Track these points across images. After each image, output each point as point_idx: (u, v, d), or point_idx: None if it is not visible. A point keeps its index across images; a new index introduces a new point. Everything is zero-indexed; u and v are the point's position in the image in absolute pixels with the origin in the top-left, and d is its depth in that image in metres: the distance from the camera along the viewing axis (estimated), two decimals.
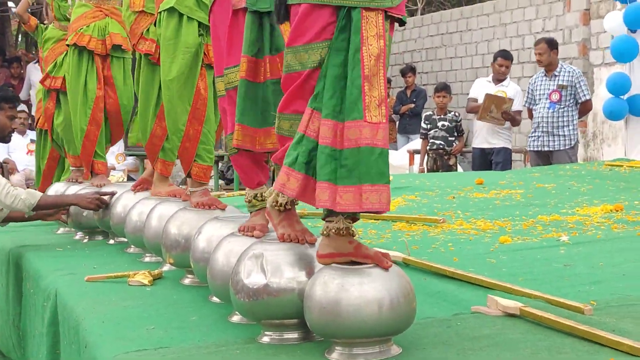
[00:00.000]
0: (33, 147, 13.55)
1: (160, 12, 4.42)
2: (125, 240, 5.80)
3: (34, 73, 14.50)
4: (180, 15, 4.39)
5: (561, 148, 10.89)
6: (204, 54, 4.62)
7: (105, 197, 6.16)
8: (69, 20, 6.30)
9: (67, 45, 5.76)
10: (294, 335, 3.57)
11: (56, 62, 6.40)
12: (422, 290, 3.73)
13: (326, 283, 3.28)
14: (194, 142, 4.71)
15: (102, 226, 6.25)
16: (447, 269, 4.58)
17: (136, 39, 4.67)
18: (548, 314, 3.68)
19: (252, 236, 3.89)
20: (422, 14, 21.45)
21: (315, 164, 3.24)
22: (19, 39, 20.13)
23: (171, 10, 4.37)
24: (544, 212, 6.52)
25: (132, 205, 5.56)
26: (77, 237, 6.58)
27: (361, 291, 3.22)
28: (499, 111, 11.22)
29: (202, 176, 4.82)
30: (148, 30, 4.61)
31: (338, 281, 3.26)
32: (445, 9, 22.18)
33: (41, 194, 6.40)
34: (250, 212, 4.12)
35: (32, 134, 13.72)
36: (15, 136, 13.48)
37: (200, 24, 4.55)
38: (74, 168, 6.80)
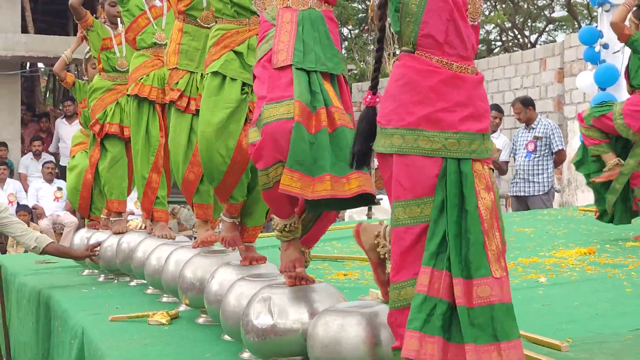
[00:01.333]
0: (60, 194, 13.61)
1: (204, 75, 4.33)
2: (145, 282, 5.76)
3: (61, 127, 14.46)
4: (224, 76, 4.27)
5: (536, 194, 10.88)
6: (250, 110, 4.40)
7: (96, 249, 6.34)
8: (116, 71, 6.29)
9: (128, 95, 5.54)
10: None
11: (106, 111, 6.18)
12: None
13: (327, 324, 3.29)
14: (230, 189, 4.52)
15: (124, 269, 6.20)
16: None
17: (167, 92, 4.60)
18: (529, 351, 3.61)
19: (295, 277, 3.72)
20: None
21: (450, 326, 2.94)
22: (47, 96, 20.10)
23: (215, 72, 4.25)
24: (524, 255, 6.52)
25: (151, 251, 5.56)
26: (100, 279, 6.53)
27: (359, 331, 3.23)
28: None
29: (234, 211, 4.64)
30: (177, 82, 4.50)
31: (338, 322, 3.27)
32: None
33: (51, 240, 6.53)
34: (282, 242, 3.89)
35: (58, 182, 13.76)
36: (43, 184, 13.53)
37: (244, 83, 4.37)
38: (113, 216, 6.58)
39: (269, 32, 3.68)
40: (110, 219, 6.57)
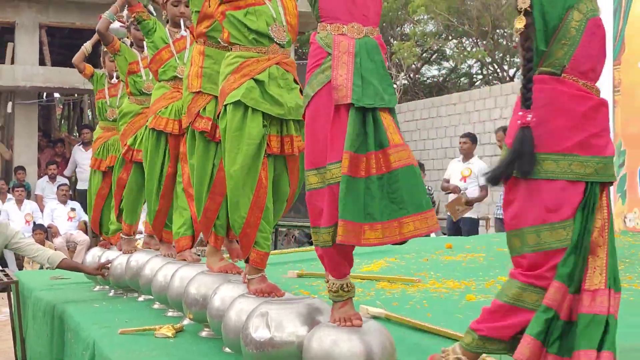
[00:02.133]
0: (73, 214, 13.61)
1: (225, 105, 3.98)
2: (152, 297, 5.75)
3: (78, 154, 14.52)
4: (246, 107, 3.99)
5: None
6: (267, 144, 4.16)
7: (107, 266, 6.39)
8: (143, 94, 5.97)
9: (146, 126, 5.32)
10: None
11: (136, 136, 5.87)
12: (401, 342, 3.68)
13: (321, 338, 3.31)
14: (254, 229, 4.17)
15: (133, 285, 6.19)
16: (422, 324, 4.55)
17: (193, 117, 4.21)
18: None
19: (353, 326, 3.47)
20: (399, 102, 21.49)
21: (561, 341, 3.00)
22: (62, 123, 20.09)
23: (237, 103, 3.95)
24: (503, 274, 6.47)
25: (158, 268, 5.54)
26: (110, 295, 6.52)
27: (350, 347, 3.24)
28: (463, 205, 11.19)
29: (260, 262, 4.23)
30: (204, 109, 4.17)
31: (332, 337, 3.28)
32: (419, 99, 22.28)
33: (64, 256, 6.60)
34: (336, 302, 3.60)
35: (72, 204, 13.77)
36: (58, 205, 13.52)
37: (264, 115, 4.10)
38: (124, 236, 6.41)
39: (324, 61, 3.41)
40: (122, 235, 6.45)
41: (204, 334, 4.67)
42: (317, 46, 3.44)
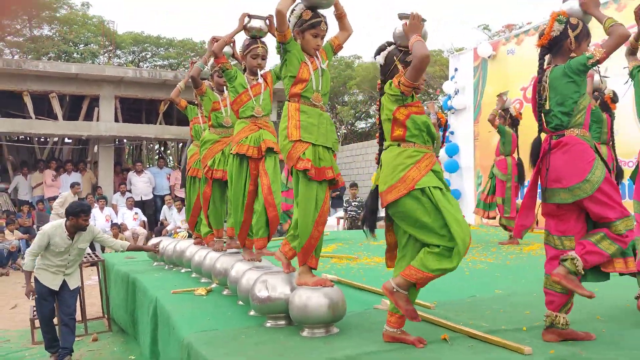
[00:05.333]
0: (136, 216, 13.49)
1: (420, 189, 2.94)
2: (191, 269, 5.70)
3: (133, 177, 14.55)
4: (423, 190, 3.01)
5: None
6: None
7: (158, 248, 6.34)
8: (222, 126, 5.27)
9: (231, 153, 4.54)
10: (283, 322, 3.56)
11: (214, 159, 5.19)
12: (347, 297, 3.59)
13: (300, 295, 3.32)
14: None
15: (178, 262, 6.13)
16: (360, 284, 4.56)
17: (294, 160, 3.39)
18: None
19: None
20: (341, 145, 21.46)
21: None
22: (127, 158, 19.90)
23: (424, 189, 2.99)
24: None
25: (195, 251, 5.54)
26: (166, 268, 6.44)
27: (318, 300, 3.27)
28: None
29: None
30: (304, 153, 3.39)
31: (307, 295, 3.30)
32: (354, 142, 22.24)
33: (129, 243, 6.52)
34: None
35: (135, 209, 13.62)
36: (126, 210, 13.40)
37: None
38: (216, 239, 5.39)
39: None
40: (215, 239, 5.43)
41: (225, 292, 4.66)
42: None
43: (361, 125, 26.26)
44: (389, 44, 3.23)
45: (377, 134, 3.28)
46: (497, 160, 7.85)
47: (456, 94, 11.78)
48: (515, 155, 7.70)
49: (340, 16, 3.67)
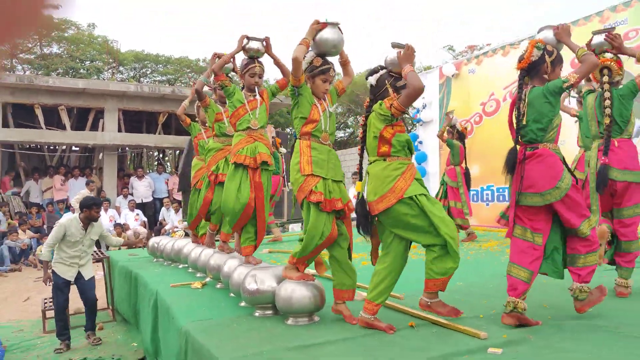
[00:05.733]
0: (137, 217, 13.39)
1: (410, 197, 3.05)
2: (187, 265, 5.70)
3: (135, 182, 14.44)
4: (411, 198, 3.10)
5: None
6: None
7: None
8: (225, 135, 5.12)
9: (227, 162, 4.46)
10: (270, 312, 3.59)
11: (218, 165, 5.02)
12: (329, 288, 3.64)
13: (286, 288, 3.36)
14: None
15: (176, 259, 6.13)
16: None
17: (306, 193, 3.30)
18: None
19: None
20: None
21: None
22: (129, 164, 19.75)
23: (412, 197, 3.07)
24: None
25: (191, 249, 5.55)
26: (165, 264, 6.43)
27: (302, 292, 3.31)
28: None
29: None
30: (316, 186, 3.29)
31: (291, 287, 3.34)
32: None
33: (123, 240, 6.63)
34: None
35: (137, 211, 13.53)
36: (129, 212, 13.32)
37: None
38: (222, 241, 4.98)
39: None
40: (221, 241, 5.03)
41: (218, 286, 4.67)
42: None
43: (340, 134, 26.33)
44: (381, 67, 3.27)
45: (359, 147, 3.29)
46: (447, 170, 8.03)
47: (424, 108, 11.89)
48: (463, 164, 7.92)
49: (345, 63, 3.61)
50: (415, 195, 3.03)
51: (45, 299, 6.83)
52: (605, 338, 2.77)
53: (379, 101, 3.16)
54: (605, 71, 4.07)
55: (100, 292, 7.88)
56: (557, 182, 3.07)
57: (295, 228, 11.65)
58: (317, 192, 3.27)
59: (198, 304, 4.01)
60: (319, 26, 3.35)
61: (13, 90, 13.55)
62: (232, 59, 4.67)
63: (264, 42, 4.35)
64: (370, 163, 3.21)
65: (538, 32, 3.40)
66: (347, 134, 25.99)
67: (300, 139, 3.42)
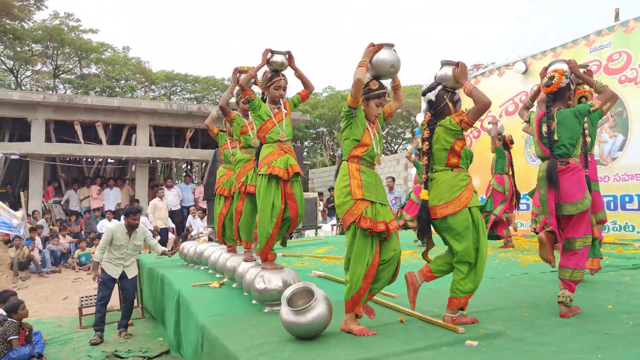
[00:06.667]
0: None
1: (470, 208, 3.09)
2: (207, 267, 5.75)
3: (166, 192, 14.55)
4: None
5: None
6: None
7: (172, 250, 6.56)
8: (251, 147, 4.78)
9: (260, 174, 4.02)
10: (277, 308, 3.63)
11: (247, 176, 4.67)
12: (332, 288, 3.74)
13: (291, 289, 3.30)
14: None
15: (198, 262, 6.19)
16: (342, 279, 4.51)
17: (355, 217, 3.06)
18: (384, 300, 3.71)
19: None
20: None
21: None
22: (160, 175, 20.03)
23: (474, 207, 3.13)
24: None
25: (211, 252, 5.61)
26: (189, 266, 6.41)
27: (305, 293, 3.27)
28: None
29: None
30: (366, 211, 3.05)
31: (294, 288, 3.29)
32: None
33: (164, 248, 6.53)
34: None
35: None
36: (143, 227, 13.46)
37: None
38: (245, 249, 4.81)
39: None
40: (244, 249, 4.87)
41: (234, 285, 4.73)
42: None
43: None
44: (437, 84, 3.21)
45: (425, 158, 3.18)
46: (414, 188, 7.66)
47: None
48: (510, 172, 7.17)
49: (397, 87, 3.39)
50: (475, 207, 3.08)
51: (82, 297, 7.01)
52: (572, 333, 2.87)
53: (448, 117, 3.11)
54: (583, 100, 4.20)
55: None
56: (584, 193, 3.26)
57: (310, 234, 11.62)
58: (367, 217, 3.03)
59: (215, 301, 4.10)
60: (375, 48, 3.12)
61: (55, 108, 13.95)
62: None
63: (287, 55, 4.16)
64: (437, 171, 3.15)
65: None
66: None
67: (348, 161, 3.17)
